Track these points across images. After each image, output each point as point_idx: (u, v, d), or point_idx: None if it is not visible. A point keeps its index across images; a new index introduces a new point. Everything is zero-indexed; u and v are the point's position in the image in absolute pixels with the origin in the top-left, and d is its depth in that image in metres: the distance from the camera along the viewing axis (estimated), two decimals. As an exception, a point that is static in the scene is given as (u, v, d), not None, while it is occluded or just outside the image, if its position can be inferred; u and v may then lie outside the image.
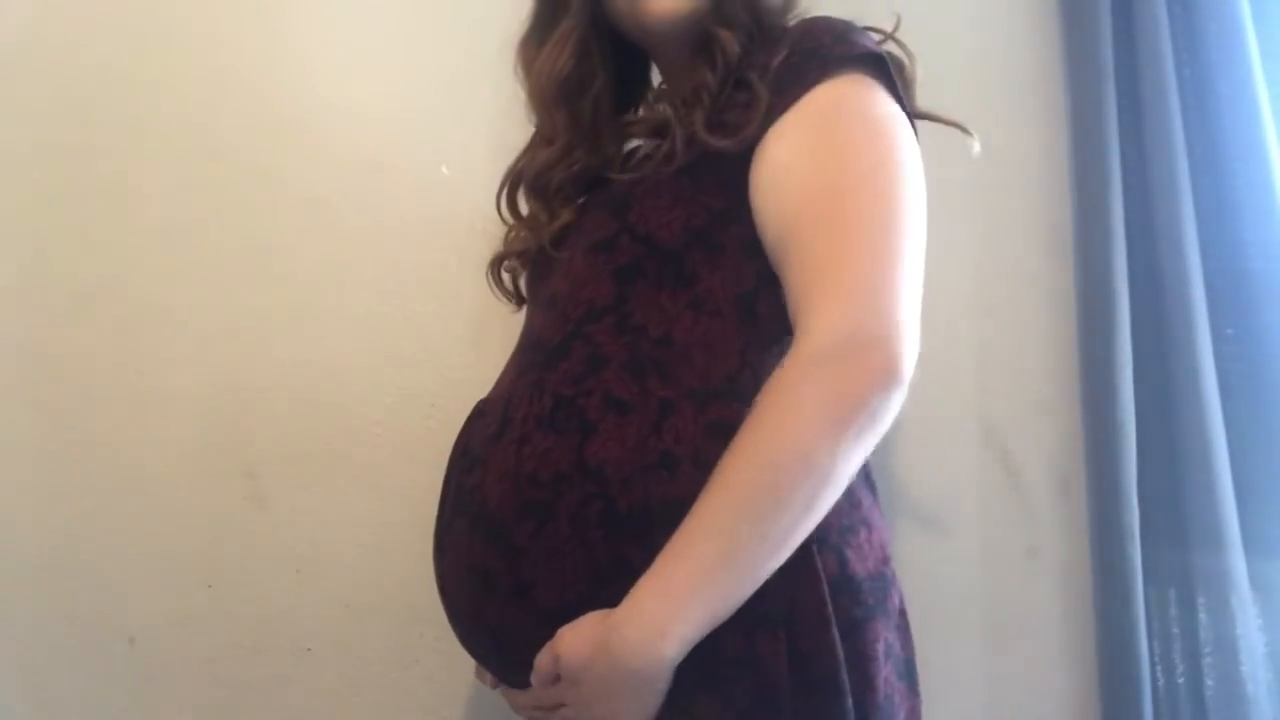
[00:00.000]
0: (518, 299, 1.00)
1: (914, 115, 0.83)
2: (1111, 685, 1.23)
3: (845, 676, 0.72)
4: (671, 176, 0.81)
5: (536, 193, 0.94)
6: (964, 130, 0.90)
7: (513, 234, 0.97)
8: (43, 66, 1.19)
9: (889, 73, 0.79)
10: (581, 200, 0.92)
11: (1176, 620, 1.24)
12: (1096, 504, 1.27)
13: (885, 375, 0.70)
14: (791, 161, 0.76)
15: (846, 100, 0.77)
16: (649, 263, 0.80)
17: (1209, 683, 1.19)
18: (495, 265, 1.00)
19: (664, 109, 0.84)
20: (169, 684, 1.17)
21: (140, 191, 1.20)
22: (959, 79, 1.32)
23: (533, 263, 0.95)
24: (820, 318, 0.71)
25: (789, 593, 0.72)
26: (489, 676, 0.89)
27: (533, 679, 0.76)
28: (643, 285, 0.80)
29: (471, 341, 1.22)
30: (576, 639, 0.73)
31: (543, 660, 0.75)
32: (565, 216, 0.91)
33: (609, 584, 0.73)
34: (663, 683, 0.71)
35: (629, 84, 0.96)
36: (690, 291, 0.79)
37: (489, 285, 1.00)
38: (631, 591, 0.71)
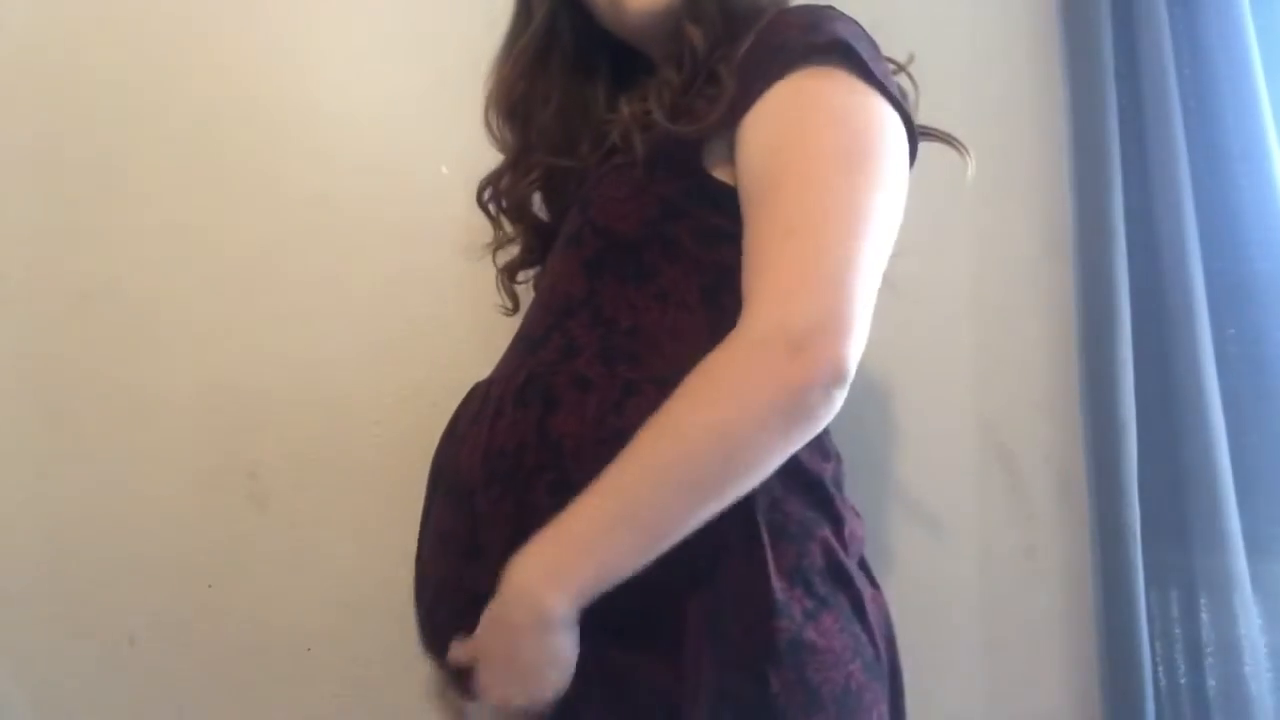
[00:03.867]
0: (514, 307, 1.05)
1: (911, 127, 0.82)
2: (1114, 686, 1.23)
3: (769, 660, 0.71)
4: (626, 168, 0.82)
5: (508, 209, 0.99)
6: (960, 149, 0.91)
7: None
8: (43, 68, 1.19)
9: (858, 58, 0.77)
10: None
11: (1178, 621, 1.24)
12: (1098, 504, 1.27)
13: (824, 372, 0.68)
14: (753, 154, 0.76)
15: (808, 91, 0.76)
16: (610, 255, 0.81)
17: (1211, 683, 1.19)
18: (503, 274, 1.04)
19: (623, 108, 0.85)
20: (169, 684, 1.17)
21: (140, 192, 1.20)
22: (960, 79, 1.32)
23: (539, 266, 1.00)
24: (761, 306, 0.70)
25: (729, 571, 0.72)
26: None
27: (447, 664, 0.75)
28: (610, 278, 0.81)
29: (471, 341, 1.22)
30: (482, 617, 0.72)
31: (455, 648, 0.74)
32: (522, 232, 0.98)
33: None
34: (557, 638, 0.70)
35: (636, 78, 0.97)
36: (654, 284, 0.80)
37: (498, 291, 1.04)
38: (527, 547, 0.71)
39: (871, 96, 0.77)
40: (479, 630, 0.73)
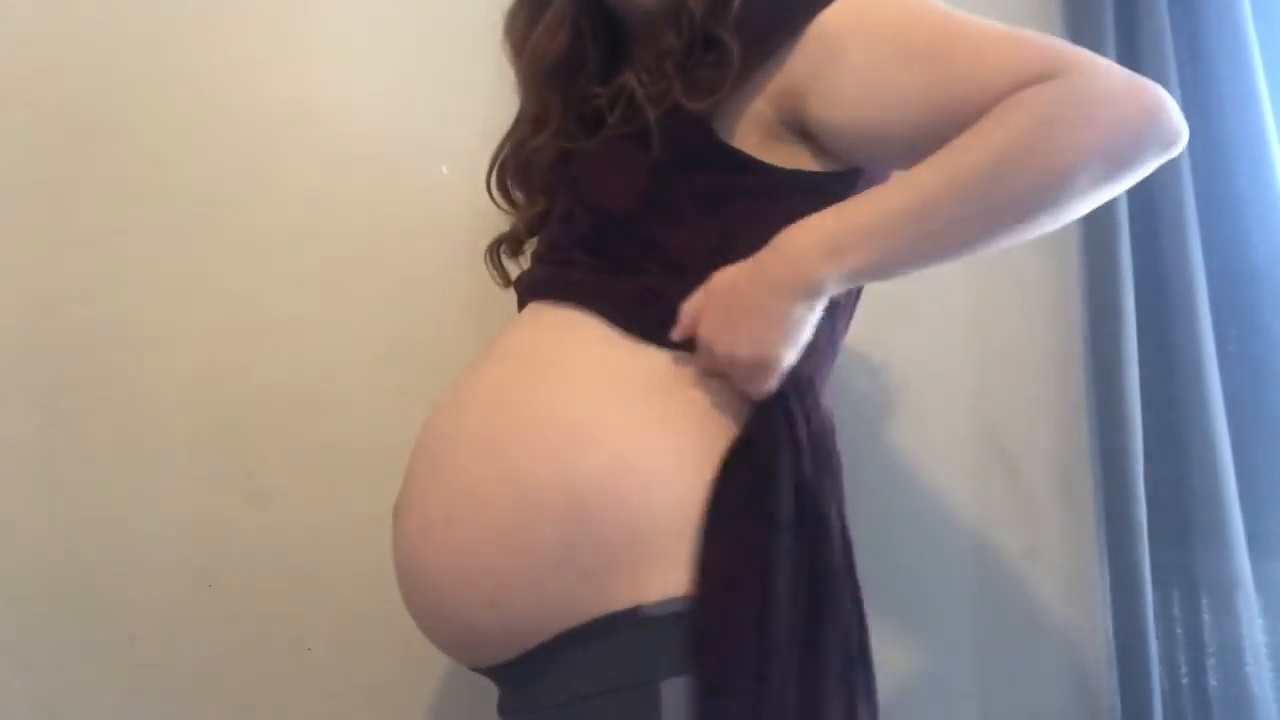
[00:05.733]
0: (506, 282, 1.01)
1: None
2: (1118, 686, 1.23)
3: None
4: (618, 141, 0.80)
5: (521, 178, 0.95)
6: None
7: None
8: (41, 68, 1.19)
9: None
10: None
11: (1180, 621, 1.24)
12: (1104, 504, 1.26)
13: (1170, 127, 0.68)
14: (873, 64, 0.73)
15: (861, 4, 0.74)
16: (606, 232, 0.80)
17: (1213, 683, 1.19)
18: (493, 250, 1.01)
19: (627, 78, 0.81)
20: (169, 684, 1.17)
21: (140, 192, 1.20)
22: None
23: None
24: (1084, 63, 0.67)
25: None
26: None
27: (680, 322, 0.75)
28: (611, 252, 0.80)
29: (471, 341, 1.22)
30: (731, 267, 0.73)
31: (691, 299, 0.74)
32: (542, 204, 0.92)
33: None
34: (808, 305, 0.70)
35: (617, 59, 0.93)
36: (655, 255, 0.78)
37: (487, 268, 1.01)
38: (811, 216, 0.71)
39: None
40: (721, 279, 0.72)
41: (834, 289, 0.71)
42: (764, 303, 0.70)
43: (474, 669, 0.84)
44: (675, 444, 0.74)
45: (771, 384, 0.72)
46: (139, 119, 1.21)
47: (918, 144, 0.73)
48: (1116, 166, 0.68)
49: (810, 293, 0.70)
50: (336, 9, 1.26)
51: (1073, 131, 0.66)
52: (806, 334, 0.72)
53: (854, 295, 0.89)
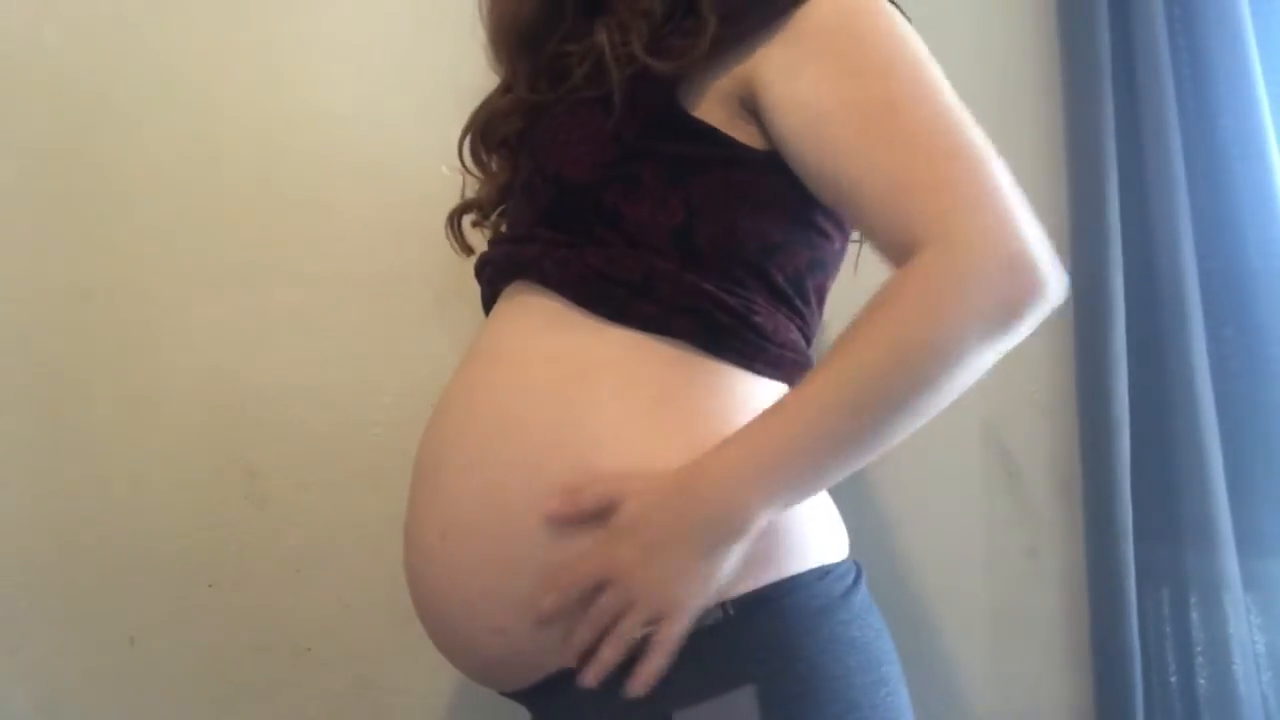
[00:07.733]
0: (467, 251, 0.99)
1: None
2: (1104, 684, 1.24)
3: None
4: (578, 107, 0.78)
5: (484, 141, 0.91)
6: None
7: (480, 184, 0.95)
8: (42, 69, 1.19)
9: None
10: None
11: (1169, 620, 1.24)
12: (1090, 503, 1.27)
13: (1044, 286, 0.67)
14: (822, 94, 0.71)
15: (851, 15, 0.72)
16: (567, 204, 0.77)
17: (1201, 682, 1.20)
18: (454, 217, 0.98)
19: (600, 36, 0.77)
20: (169, 684, 1.18)
21: (140, 192, 1.20)
22: (957, 78, 1.32)
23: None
24: (957, 226, 0.67)
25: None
26: None
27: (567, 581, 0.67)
28: (573, 225, 0.77)
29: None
30: (643, 484, 0.66)
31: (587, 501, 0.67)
32: (505, 174, 0.89)
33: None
34: (737, 541, 0.65)
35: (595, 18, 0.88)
36: (617, 229, 0.75)
37: (447, 238, 0.99)
38: (712, 449, 0.67)
39: (900, 17, 0.76)
40: (641, 497, 0.66)
41: (765, 520, 0.67)
42: (696, 539, 0.66)
43: (500, 693, 0.81)
44: (646, 443, 0.70)
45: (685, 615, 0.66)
46: (138, 120, 1.20)
47: (828, 193, 0.73)
48: (997, 337, 0.68)
49: (744, 524, 0.66)
50: (336, 10, 1.25)
51: (941, 322, 0.66)
52: (726, 575, 0.66)
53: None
